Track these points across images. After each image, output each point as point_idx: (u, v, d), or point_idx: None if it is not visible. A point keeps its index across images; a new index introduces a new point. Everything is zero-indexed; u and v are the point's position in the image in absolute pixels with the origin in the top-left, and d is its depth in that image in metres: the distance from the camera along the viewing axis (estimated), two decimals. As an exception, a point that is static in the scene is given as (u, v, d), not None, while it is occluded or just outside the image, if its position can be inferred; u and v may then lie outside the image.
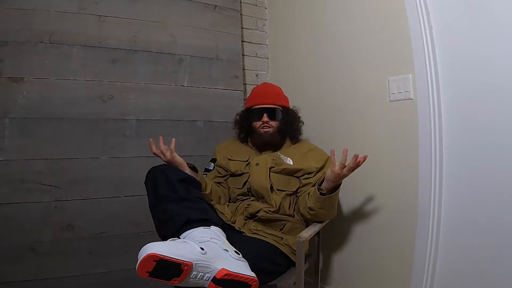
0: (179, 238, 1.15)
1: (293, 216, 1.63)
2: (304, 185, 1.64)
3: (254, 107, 1.70)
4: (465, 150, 1.51)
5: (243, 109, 1.82)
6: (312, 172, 1.65)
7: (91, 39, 1.81)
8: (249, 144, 1.79)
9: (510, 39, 1.35)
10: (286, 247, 1.50)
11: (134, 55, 1.91)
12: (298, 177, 1.65)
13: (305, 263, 1.45)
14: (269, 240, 1.49)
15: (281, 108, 1.71)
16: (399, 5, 1.64)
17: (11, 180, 1.62)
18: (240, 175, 1.68)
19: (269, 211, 1.57)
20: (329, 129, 2.03)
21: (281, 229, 1.58)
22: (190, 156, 1.92)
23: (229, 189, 1.73)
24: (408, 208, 1.63)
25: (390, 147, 1.72)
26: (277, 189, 1.61)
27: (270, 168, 1.63)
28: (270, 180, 1.61)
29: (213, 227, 1.21)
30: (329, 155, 1.53)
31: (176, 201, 1.27)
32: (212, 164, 1.80)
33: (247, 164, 1.68)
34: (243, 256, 1.18)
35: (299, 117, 1.78)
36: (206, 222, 1.22)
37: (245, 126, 1.74)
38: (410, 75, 1.61)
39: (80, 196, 1.75)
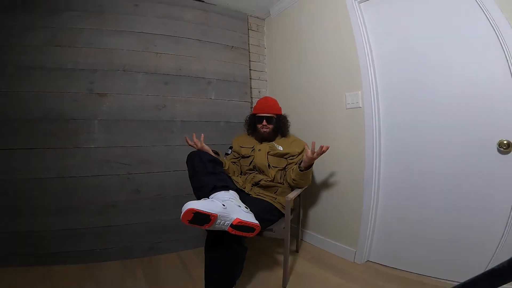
0: (209, 198, 1.17)
1: (283, 184, 1.63)
2: (290, 163, 1.66)
3: (258, 114, 1.72)
4: (395, 141, 1.55)
5: (250, 114, 1.84)
6: (295, 155, 1.66)
7: (151, 68, 1.81)
8: (254, 137, 1.79)
9: (426, 67, 1.41)
10: (278, 204, 1.52)
11: (179, 79, 1.90)
12: (286, 158, 1.67)
13: (291, 214, 1.48)
14: (268, 199, 1.51)
15: (275, 116, 1.72)
16: (352, 45, 1.66)
17: (99, 160, 1.66)
18: (248, 157, 1.70)
19: (267, 180, 1.59)
20: (306, 127, 2.02)
21: (275, 192, 1.59)
22: (215, 144, 1.87)
23: (240, 166, 1.74)
24: (358, 180, 1.65)
25: (346, 139, 1.73)
26: (273, 166, 1.63)
27: (268, 152, 1.66)
28: (268, 160, 1.64)
29: (231, 191, 1.22)
30: (306, 144, 1.61)
31: (207, 174, 1.28)
32: (230, 150, 1.83)
33: (252, 150, 1.70)
34: (250, 210, 1.20)
35: (288, 120, 1.79)
36: (226, 188, 1.22)
37: (252, 126, 1.77)
38: (359, 91, 1.64)
39: (144, 171, 1.76)
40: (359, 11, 1.66)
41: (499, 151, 1.21)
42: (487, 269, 0.44)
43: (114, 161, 1.70)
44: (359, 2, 1.66)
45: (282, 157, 1.68)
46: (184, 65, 1.93)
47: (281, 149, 1.70)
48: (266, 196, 1.54)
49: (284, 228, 1.38)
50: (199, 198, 1.19)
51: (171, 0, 1.93)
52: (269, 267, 1.62)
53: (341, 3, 1.73)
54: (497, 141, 1.21)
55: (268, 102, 1.77)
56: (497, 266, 0.38)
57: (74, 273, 1.49)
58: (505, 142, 1.18)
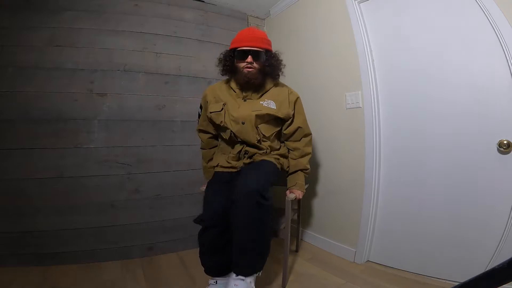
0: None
1: (281, 146, 1.46)
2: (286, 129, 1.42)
3: (239, 48, 1.28)
4: (395, 141, 1.55)
5: (227, 49, 1.36)
6: (289, 119, 1.40)
7: (151, 68, 1.81)
8: (232, 85, 1.38)
9: (426, 67, 1.41)
10: (280, 165, 1.40)
11: (179, 79, 1.90)
12: (280, 120, 1.41)
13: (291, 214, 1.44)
14: (271, 159, 1.36)
15: (264, 51, 1.30)
16: (352, 45, 1.65)
17: (99, 160, 1.65)
18: (225, 129, 1.37)
19: (263, 153, 1.37)
20: (310, 125, 1.88)
21: (277, 154, 1.42)
22: None
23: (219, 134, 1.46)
24: (358, 179, 1.64)
25: (346, 139, 1.73)
26: (264, 138, 1.37)
27: (257, 127, 1.34)
28: (257, 135, 1.35)
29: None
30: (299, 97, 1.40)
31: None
32: (200, 110, 1.51)
33: (222, 109, 1.34)
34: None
35: (281, 60, 1.37)
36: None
37: (229, 65, 1.33)
38: (360, 91, 1.64)
39: (143, 170, 1.75)
40: (359, 11, 1.65)
41: (499, 151, 1.21)
42: (487, 269, 0.44)
43: (114, 161, 1.70)
44: (359, 2, 1.66)
45: (275, 120, 1.38)
46: (184, 65, 1.92)
47: (274, 106, 1.35)
48: (268, 157, 1.36)
49: (284, 228, 1.37)
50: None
51: (171, 0, 1.93)
52: (269, 266, 1.59)
53: (341, 3, 1.73)
54: (497, 141, 1.21)
55: (255, 33, 1.32)
56: (497, 266, 0.38)
57: (74, 273, 1.49)
58: (505, 142, 1.18)
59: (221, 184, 1.30)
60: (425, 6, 1.42)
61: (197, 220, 1.23)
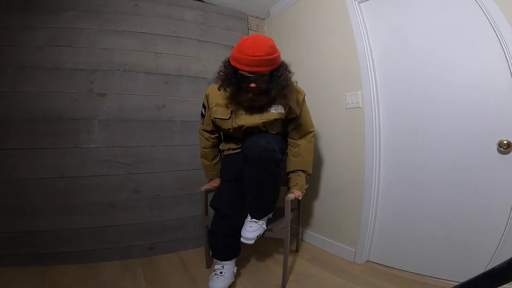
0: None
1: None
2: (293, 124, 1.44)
3: (241, 72, 1.14)
4: (395, 141, 1.55)
5: (228, 62, 1.20)
6: (294, 118, 1.41)
7: (151, 68, 1.80)
8: (236, 99, 1.30)
9: (426, 66, 1.41)
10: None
11: (179, 79, 1.89)
12: (289, 120, 1.42)
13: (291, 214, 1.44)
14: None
15: (269, 72, 1.15)
16: (352, 45, 1.65)
17: (99, 160, 1.65)
18: (230, 131, 1.38)
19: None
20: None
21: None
22: None
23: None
24: (358, 179, 1.64)
25: (346, 139, 1.72)
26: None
27: (264, 126, 1.35)
28: (263, 127, 1.36)
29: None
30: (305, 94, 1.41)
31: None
32: (204, 110, 1.47)
33: (229, 118, 1.34)
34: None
35: (290, 71, 1.22)
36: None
37: (231, 82, 1.20)
38: (359, 91, 1.63)
39: (144, 170, 1.75)
40: (359, 11, 1.65)
41: (499, 151, 1.21)
42: (487, 269, 0.44)
43: (114, 161, 1.69)
44: (359, 2, 1.66)
45: (281, 120, 1.38)
46: (184, 65, 1.92)
47: (282, 110, 1.32)
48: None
49: (284, 228, 1.37)
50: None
51: (171, 0, 1.93)
52: (269, 267, 1.62)
53: (341, 3, 1.73)
54: (497, 141, 1.21)
55: (259, 49, 1.09)
56: (497, 266, 0.38)
57: (74, 273, 1.49)
58: (505, 142, 1.18)
59: (234, 180, 1.39)
60: (425, 6, 1.42)
61: (212, 205, 1.41)
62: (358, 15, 1.64)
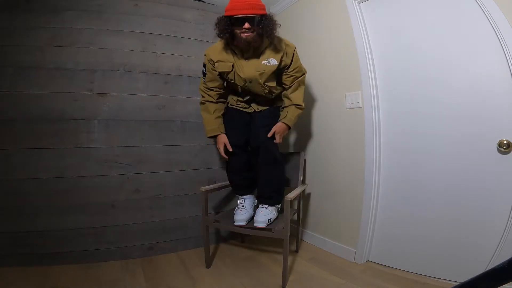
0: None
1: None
2: (287, 76, 1.55)
3: (235, 16, 1.33)
4: (396, 141, 1.55)
5: (222, 16, 1.39)
6: (288, 67, 1.52)
7: (151, 68, 1.80)
8: (232, 48, 1.47)
9: (426, 66, 1.41)
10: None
11: (179, 78, 1.89)
12: (281, 71, 1.54)
13: (290, 214, 1.45)
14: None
15: (259, 16, 1.36)
16: (352, 45, 1.65)
17: (99, 160, 1.65)
18: (235, 85, 1.54)
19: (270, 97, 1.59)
20: (306, 126, 1.99)
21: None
22: (213, 145, 1.92)
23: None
24: (358, 179, 1.64)
25: (346, 139, 1.72)
26: (273, 90, 1.56)
27: (260, 74, 1.47)
28: (265, 89, 1.53)
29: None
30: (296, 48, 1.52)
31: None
32: (205, 68, 1.57)
33: (231, 69, 1.48)
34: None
35: (275, 20, 1.42)
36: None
37: (227, 31, 1.38)
38: (359, 91, 1.64)
39: (144, 170, 1.75)
40: (359, 11, 1.65)
41: (499, 151, 1.21)
42: (487, 269, 0.44)
43: (114, 161, 1.70)
44: (359, 2, 1.66)
45: (277, 72, 1.53)
46: (184, 65, 1.92)
47: (276, 62, 1.47)
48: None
49: (283, 228, 1.37)
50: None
51: (171, 0, 1.93)
52: (269, 267, 1.62)
53: (341, 3, 1.73)
54: (497, 141, 1.21)
55: (247, 0, 1.34)
56: (497, 266, 0.38)
57: (74, 273, 1.49)
58: (505, 142, 1.18)
59: (240, 124, 1.58)
60: (425, 6, 1.41)
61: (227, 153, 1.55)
62: (358, 14, 1.64)
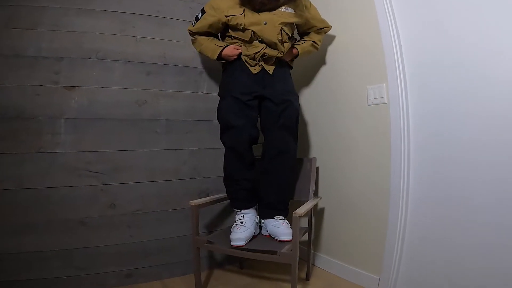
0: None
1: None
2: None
3: None
4: (427, 141, 1.51)
5: None
6: (305, 22, 1.69)
7: (130, 56, 1.78)
8: (246, 3, 1.57)
9: (460, 52, 1.37)
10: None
11: (164, 68, 1.87)
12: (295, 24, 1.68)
13: (300, 233, 1.47)
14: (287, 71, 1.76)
15: None
16: (375, 28, 1.64)
17: (66, 168, 1.62)
18: (244, 30, 1.57)
19: (279, 56, 1.63)
20: (321, 127, 2.01)
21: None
22: (207, 149, 1.95)
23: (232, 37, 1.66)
24: (382, 190, 1.62)
25: (368, 141, 1.70)
26: (286, 40, 1.62)
27: (281, 24, 1.57)
28: (279, 34, 1.57)
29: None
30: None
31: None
32: (201, 14, 1.68)
33: (242, 13, 1.56)
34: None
35: None
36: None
37: None
38: (384, 84, 1.61)
39: (121, 181, 1.73)
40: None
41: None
42: None
43: (84, 169, 1.66)
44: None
45: (292, 22, 1.65)
46: (169, 52, 1.89)
47: (292, 11, 1.61)
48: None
49: (291, 251, 1.34)
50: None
51: (154, -27, 1.88)
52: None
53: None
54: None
55: None
56: None
57: (33, 308, 1.44)
58: None
59: (242, 107, 1.60)
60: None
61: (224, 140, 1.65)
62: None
